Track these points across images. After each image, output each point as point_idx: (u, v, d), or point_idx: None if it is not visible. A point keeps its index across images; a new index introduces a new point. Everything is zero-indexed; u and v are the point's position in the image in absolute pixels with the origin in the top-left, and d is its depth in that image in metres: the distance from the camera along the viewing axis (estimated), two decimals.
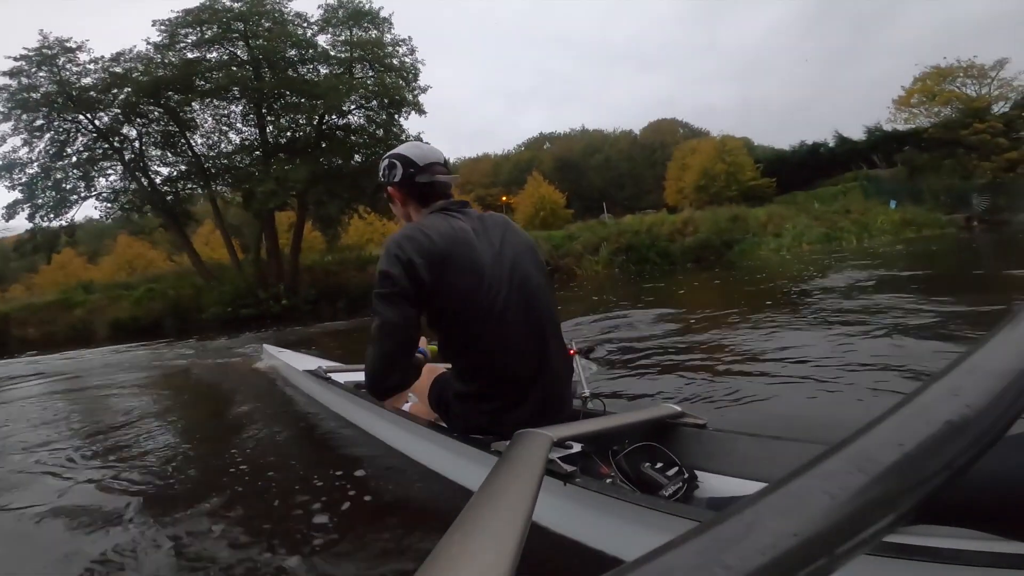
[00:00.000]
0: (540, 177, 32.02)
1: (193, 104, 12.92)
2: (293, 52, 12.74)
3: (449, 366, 1.44)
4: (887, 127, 27.18)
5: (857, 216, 17.97)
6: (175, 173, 13.94)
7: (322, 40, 13.37)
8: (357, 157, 13.63)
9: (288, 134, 13.39)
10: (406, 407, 1.79)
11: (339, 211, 14.26)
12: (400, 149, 1.36)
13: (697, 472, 1.27)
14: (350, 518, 1.29)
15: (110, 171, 13.66)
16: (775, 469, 1.13)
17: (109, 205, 13.94)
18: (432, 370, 1.51)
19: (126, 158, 13.36)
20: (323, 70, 13.36)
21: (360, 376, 2.06)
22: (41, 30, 12.18)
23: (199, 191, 14.42)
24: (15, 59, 12.04)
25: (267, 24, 12.40)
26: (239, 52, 12.82)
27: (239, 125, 13.80)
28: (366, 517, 1.29)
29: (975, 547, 0.66)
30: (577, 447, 1.11)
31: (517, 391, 1.28)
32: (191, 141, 13.65)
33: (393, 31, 13.77)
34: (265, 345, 4.39)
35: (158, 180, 13.96)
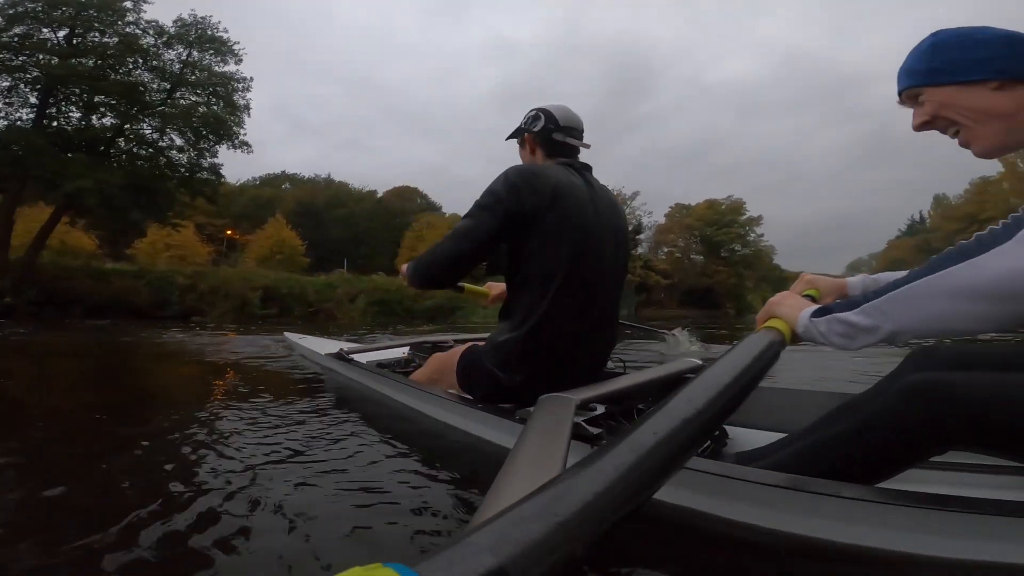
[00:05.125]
0: (283, 220, 33.19)
1: None
2: (114, 49, 13.06)
3: (480, 343, 1.52)
4: None
5: None
6: None
7: (169, 55, 13.97)
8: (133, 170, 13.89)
9: (75, 129, 13.21)
10: None
11: (142, 220, 14.18)
12: (549, 106, 1.52)
13: (726, 427, 1.33)
14: (386, 481, 1.28)
15: None
16: (799, 420, 1.17)
17: None
18: (457, 351, 1.58)
19: None
20: (145, 77, 13.84)
21: (380, 355, 2.65)
22: None
23: None
24: None
25: (95, 14, 12.56)
26: (55, 35, 12.52)
27: None
28: (400, 481, 1.29)
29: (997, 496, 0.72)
30: (601, 408, 1.13)
31: (561, 350, 1.35)
32: None
33: (239, 67, 14.97)
34: (286, 332, 4.66)
35: None
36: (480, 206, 1.35)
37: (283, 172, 50.97)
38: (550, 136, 1.49)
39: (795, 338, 0.86)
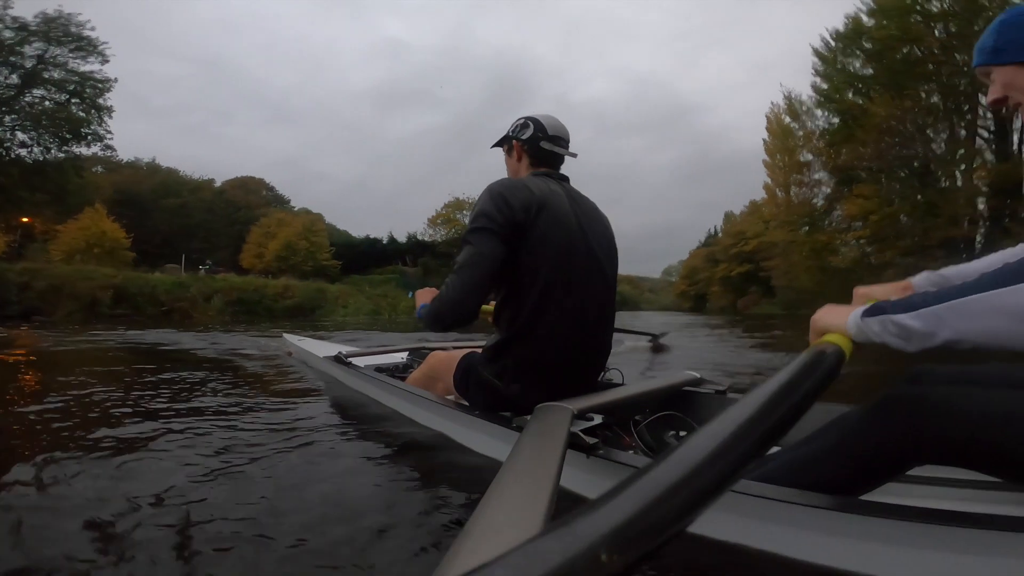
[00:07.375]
0: (103, 211, 30.36)
1: None
2: None
3: (478, 349, 1.57)
4: (421, 236, 42.89)
5: (391, 299, 29.04)
6: None
7: (27, 50, 13.15)
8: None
9: None
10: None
11: None
12: (538, 115, 1.58)
13: None
14: (380, 488, 1.30)
15: None
16: (796, 433, 1.19)
17: None
18: (457, 354, 1.65)
19: None
20: None
21: (379, 360, 2.71)
22: None
23: None
24: None
25: None
26: None
27: None
28: (396, 487, 1.31)
29: (949, 507, 0.75)
30: (598, 419, 1.14)
31: (555, 358, 1.39)
32: None
33: (102, 68, 14.46)
34: (285, 334, 4.70)
35: None
36: (475, 231, 1.34)
37: (94, 154, 44.67)
38: (538, 144, 1.55)
39: (857, 346, 0.80)
